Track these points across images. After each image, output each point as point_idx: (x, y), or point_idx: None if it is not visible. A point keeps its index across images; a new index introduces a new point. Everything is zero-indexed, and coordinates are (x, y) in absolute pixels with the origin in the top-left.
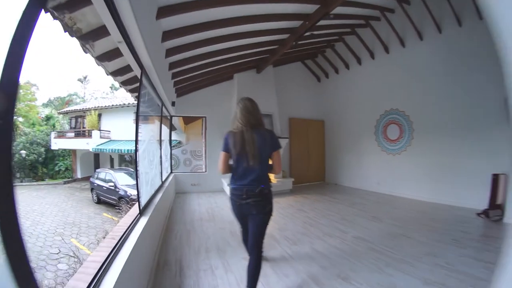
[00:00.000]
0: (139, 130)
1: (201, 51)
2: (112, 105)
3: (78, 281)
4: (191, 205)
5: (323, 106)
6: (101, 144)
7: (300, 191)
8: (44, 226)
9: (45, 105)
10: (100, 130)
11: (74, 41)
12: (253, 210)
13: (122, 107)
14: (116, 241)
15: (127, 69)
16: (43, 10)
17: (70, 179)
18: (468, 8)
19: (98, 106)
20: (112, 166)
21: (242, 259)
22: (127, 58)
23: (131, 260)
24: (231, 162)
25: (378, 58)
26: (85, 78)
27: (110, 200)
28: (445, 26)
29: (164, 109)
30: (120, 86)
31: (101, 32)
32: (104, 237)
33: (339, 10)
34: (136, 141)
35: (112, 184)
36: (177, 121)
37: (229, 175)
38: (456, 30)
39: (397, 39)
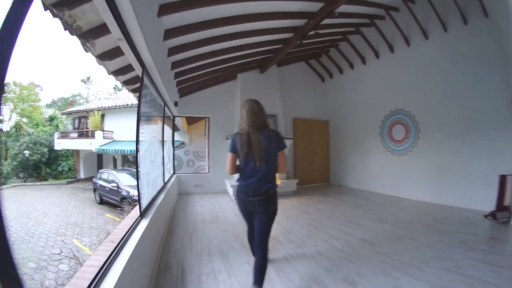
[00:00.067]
0: (141, 131)
1: (204, 50)
2: (115, 105)
3: (75, 287)
4: (193, 206)
5: (327, 107)
6: (104, 144)
7: (305, 193)
8: (47, 226)
9: (49, 106)
10: (103, 130)
11: (77, 41)
12: (258, 209)
13: (125, 107)
14: (115, 245)
15: (128, 68)
16: (42, 8)
17: (73, 179)
18: (473, 6)
19: (101, 107)
20: (115, 167)
21: (245, 263)
22: (128, 56)
23: (131, 264)
24: (238, 162)
25: (383, 57)
26: (88, 78)
27: (113, 201)
28: (451, 24)
29: (166, 109)
30: (122, 86)
31: (101, 30)
32: (106, 238)
33: (343, 8)
34: (137, 141)
35: (115, 184)
36: (180, 122)
37: (234, 176)
38: (462, 28)
39: (402, 38)
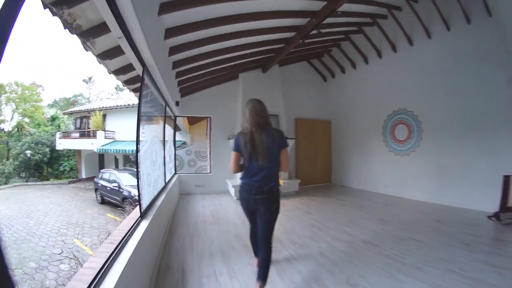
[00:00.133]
0: (142, 130)
1: (205, 49)
2: (117, 105)
3: None
4: (195, 207)
5: (329, 106)
6: (106, 144)
7: (307, 193)
8: (48, 226)
9: (51, 106)
10: (104, 130)
11: (78, 41)
12: (260, 207)
13: (127, 107)
14: (115, 246)
15: (129, 67)
16: (42, 6)
17: (74, 179)
18: (476, 4)
19: (103, 107)
20: (116, 167)
21: (247, 265)
22: (128, 54)
23: (131, 265)
24: (242, 161)
25: (385, 57)
26: (90, 79)
27: (114, 201)
28: (454, 23)
29: (168, 109)
30: (123, 86)
31: (101, 29)
32: (106, 238)
33: (346, 7)
34: (137, 141)
35: (116, 184)
36: (181, 122)
37: (236, 176)
38: (465, 27)
39: (405, 38)
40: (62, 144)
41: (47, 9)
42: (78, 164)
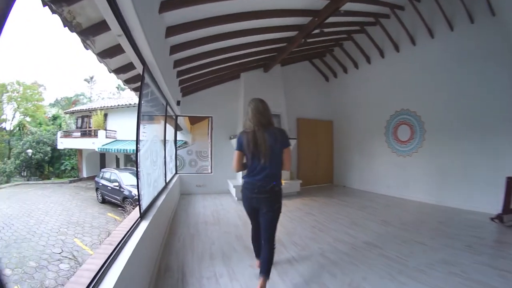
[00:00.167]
0: (142, 130)
1: (207, 48)
2: (118, 105)
3: None
4: (195, 207)
5: (331, 106)
6: (107, 144)
7: (308, 194)
8: (48, 225)
9: (52, 105)
10: (106, 130)
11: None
12: (262, 207)
13: (128, 107)
14: (113, 248)
15: (129, 66)
16: (41, 4)
17: (75, 178)
18: (480, 4)
19: (104, 106)
20: (118, 166)
21: (248, 267)
22: (128, 53)
23: (130, 267)
24: (245, 160)
25: (388, 56)
26: (91, 78)
27: (115, 200)
28: (457, 23)
29: (169, 109)
30: (124, 85)
31: (101, 27)
32: (106, 237)
33: (349, 6)
34: (137, 140)
35: (117, 184)
36: (182, 121)
37: (237, 176)
38: (468, 27)
39: (408, 37)
40: (63, 143)
41: (46, 7)
42: (79, 163)
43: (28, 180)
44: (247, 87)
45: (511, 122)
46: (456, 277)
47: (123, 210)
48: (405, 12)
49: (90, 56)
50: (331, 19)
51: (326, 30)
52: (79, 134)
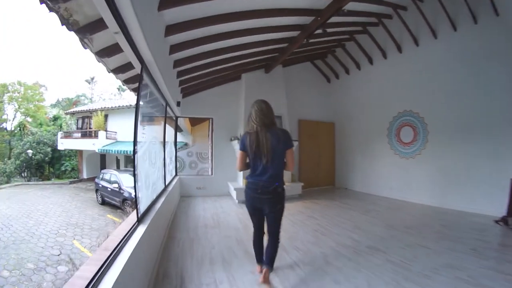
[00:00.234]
0: (142, 131)
1: (208, 48)
2: (119, 106)
3: None
4: (195, 210)
5: (333, 108)
6: (107, 145)
7: (310, 196)
8: (47, 227)
9: (53, 106)
10: (106, 131)
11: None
12: (265, 207)
13: (129, 108)
14: (109, 253)
15: (128, 66)
16: (38, 1)
17: (76, 179)
18: (483, 4)
19: (105, 107)
20: (118, 167)
21: (249, 273)
22: (126, 51)
23: (125, 274)
24: (248, 160)
25: (390, 57)
26: (92, 79)
27: (114, 202)
28: (460, 23)
29: (169, 110)
30: (123, 85)
31: (98, 25)
32: (105, 240)
33: (351, 6)
34: (135, 142)
35: (117, 185)
36: (183, 122)
37: (238, 179)
38: (472, 27)
39: (411, 38)
40: (63, 144)
41: (43, 4)
42: (79, 164)
43: (28, 180)
44: (248, 88)
45: None
46: (462, 282)
47: (123, 212)
48: (408, 12)
49: (91, 56)
50: (334, 19)
51: (328, 30)
52: (79, 135)
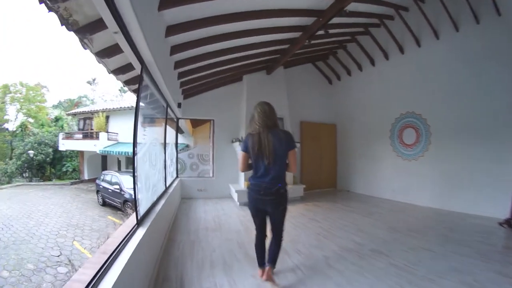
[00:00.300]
0: (143, 132)
1: (209, 48)
2: (120, 107)
3: None
4: (196, 212)
5: (335, 109)
6: (108, 146)
7: (312, 198)
8: (48, 227)
9: (55, 107)
10: (107, 132)
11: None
12: (268, 208)
13: (130, 109)
14: (107, 257)
15: (129, 67)
16: (38, 1)
17: (77, 180)
18: (485, 4)
19: (106, 108)
20: (119, 169)
21: (250, 277)
22: (126, 51)
23: (124, 277)
24: (250, 161)
25: (392, 58)
26: (94, 80)
27: (115, 203)
28: (462, 23)
29: (170, 111)
30: (124, 86)
31: (98, 25)
32: (106, 241)
33: (353, 7)
34: (134, 143)
35: (118, 187)
36: (184, 124)
37: (239, 181)
38: (474, 27)
39: (412, 39)
40: (65, 145)
41: (43, 4)
42: (80, 165)
43: (30, 181)
44: (249, 90)
45: None
46: (468, 287)
47: (123, 214)
48: (409, 13)
49: (92, 58)
50: (335, 20)
51: (332, 31)
52: (80, 136)
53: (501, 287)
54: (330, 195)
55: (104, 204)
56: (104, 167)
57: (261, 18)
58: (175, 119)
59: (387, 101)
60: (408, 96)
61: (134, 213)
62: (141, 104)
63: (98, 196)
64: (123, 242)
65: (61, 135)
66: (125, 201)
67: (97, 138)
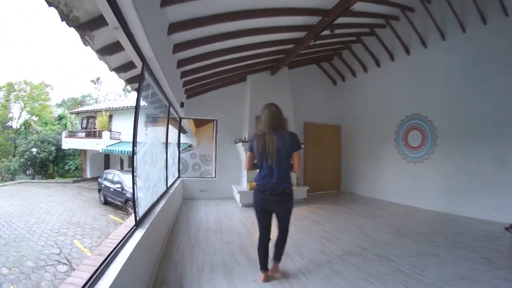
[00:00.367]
0: (144, 131)
1: (213, 47)
2: (123, 106)
3: None
4: (198, 213)
5: (339, 111)
6: (111, 145)
7: (315, 201)
8: (48, 225)
9: (59, 105)
10: (110, 131)
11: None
12: (275, 208)
13: (133, 108)
14: (103, 259)
15: (131, 65)
16: None
17: (79, 178)
18: (492, 4)
19: (109, 107)
20: (121, 168)
21: (251, 281)
22: (126, 48)
23: (120, 280)
24: (255, 161)
25: (398, 60)
26: (97, 79)
27: (117, 202)
28: (469, 24)
29: (172, 111)
30: (126, 85)
31: (99, 21)
32: (99, 246)
33: (359, 7)
34: (134, 142)
35: (119, 186)
36: (187, 124)
37: (242, 182)
38: (481, 28)
39: (418, 39)
40: (68, 143)
41: None
42: (83, 163)
43: (32, 178)
44: (253, 90)
45: None
46: None
47: (124, 213)
48: (415, 13)
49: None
50: (341, 20)
51: (338, 31)
52: (83, 134)
53: None
54: (334, 197)
55: (106, 203)
56: (107, 166)
57: (265, 16)
58: (178, 119)
59: (392, 103)
60: (413, 97)
61: (133, 213)
62: (143, 103)
63: (99, 195)
64: (120, 244)
65: (64, 134)
66: (127, 200)
67: (100, 137)
